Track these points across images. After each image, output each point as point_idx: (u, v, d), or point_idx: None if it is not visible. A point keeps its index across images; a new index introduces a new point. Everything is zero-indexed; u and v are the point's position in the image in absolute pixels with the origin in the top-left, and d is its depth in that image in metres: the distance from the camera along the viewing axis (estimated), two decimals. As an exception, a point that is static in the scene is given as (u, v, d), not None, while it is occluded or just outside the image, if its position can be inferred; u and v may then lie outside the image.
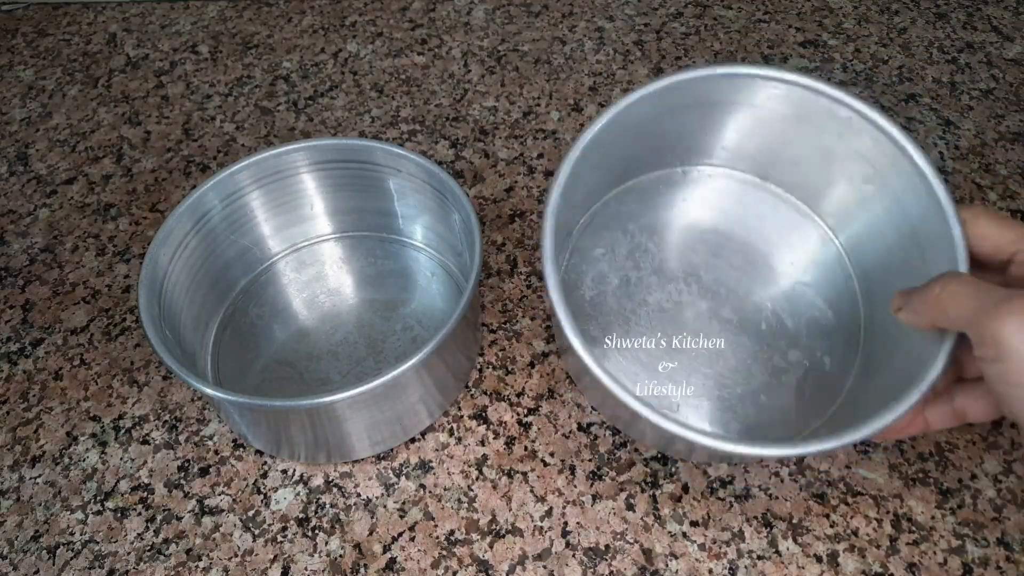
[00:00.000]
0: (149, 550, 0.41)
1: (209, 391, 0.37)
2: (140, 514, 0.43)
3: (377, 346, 0.47)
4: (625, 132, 0.40)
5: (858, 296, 0.42)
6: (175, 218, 0.44)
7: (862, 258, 0.42)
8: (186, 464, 0.44)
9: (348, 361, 0.47)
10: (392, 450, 0.44)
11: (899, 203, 0.39)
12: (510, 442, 0.44)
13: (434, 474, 0.43)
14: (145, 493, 0.43)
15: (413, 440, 0.44)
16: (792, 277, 0.43)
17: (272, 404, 0.38)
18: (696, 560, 0.40)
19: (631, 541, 0.41)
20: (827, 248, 0.44)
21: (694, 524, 0.41)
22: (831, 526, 0.41)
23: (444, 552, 0.41)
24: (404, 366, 0.38)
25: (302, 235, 0.52)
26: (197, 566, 0.41)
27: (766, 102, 0.41)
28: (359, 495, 0.43)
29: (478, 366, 0.47)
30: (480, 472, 0.43)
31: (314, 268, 0.51)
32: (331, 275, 0.51)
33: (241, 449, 0.45)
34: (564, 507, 0.42)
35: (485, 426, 0.45)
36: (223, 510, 0.42)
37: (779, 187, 0.45)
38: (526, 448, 0.44)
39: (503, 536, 0.41)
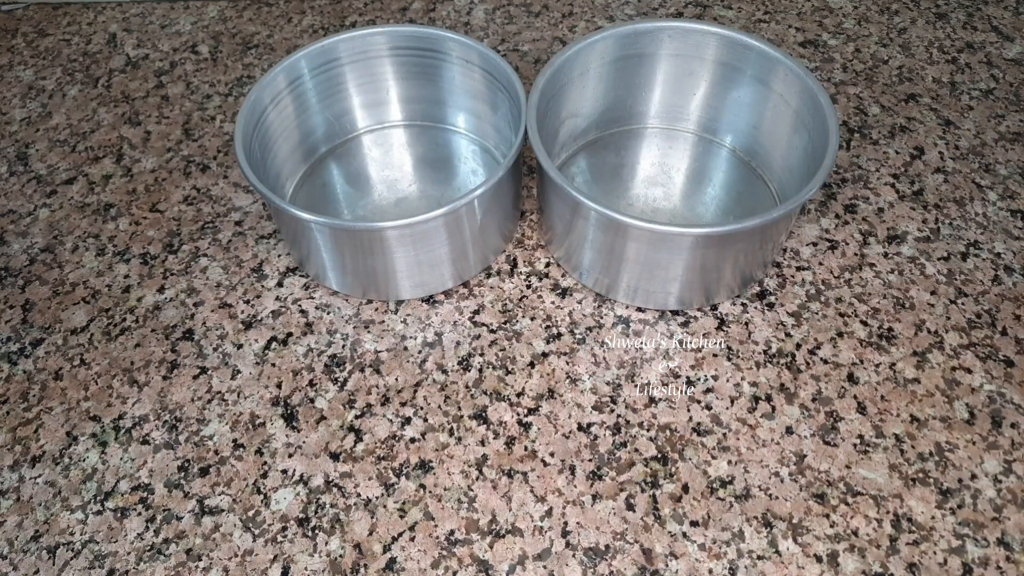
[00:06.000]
0: (149, 550, 0.41)
1: (293, 210, 0.44)
2: (140, 514, 0.43)
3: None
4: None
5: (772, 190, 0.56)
6: (269, 77, 0.52)
7: (767, 159, 0.56)
8: (186, 464, 0.44)
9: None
10: (431, 299, 0.45)
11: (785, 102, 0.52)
12: (510, 442, 0.44)
13: (434, 474, 0.43)
14: (145, 493, 0.43)
15: (413, 440, 0.45)
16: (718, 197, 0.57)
17: (347, 225, 0.46)
18: (696, 560, 0.40)
19: (631, 541, 0.41)
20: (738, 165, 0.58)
21: (694, 524, 0.41)
22: (831, 526, 0.41)
23: (444, 552, 0.41)
24: (461, 201, 0.44)
25: (377, 117, 0.59)
26: (197, 566, 0.41)
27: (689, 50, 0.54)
28: (359, 495, 0.43)
29: (479, 366, 0.47)
30: (480, 472, 0.43)
31: (382, 149, 0.59)
32: (397, 157, 0.59)
33: (241, 449, 0.45)
34: (564, 507, 0.42)
35: (485, 426, 0.45)
36: (223, 510, 0.43)
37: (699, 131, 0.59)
38: (526, 448, 0.44)
39: (503, 536, 0.41)
